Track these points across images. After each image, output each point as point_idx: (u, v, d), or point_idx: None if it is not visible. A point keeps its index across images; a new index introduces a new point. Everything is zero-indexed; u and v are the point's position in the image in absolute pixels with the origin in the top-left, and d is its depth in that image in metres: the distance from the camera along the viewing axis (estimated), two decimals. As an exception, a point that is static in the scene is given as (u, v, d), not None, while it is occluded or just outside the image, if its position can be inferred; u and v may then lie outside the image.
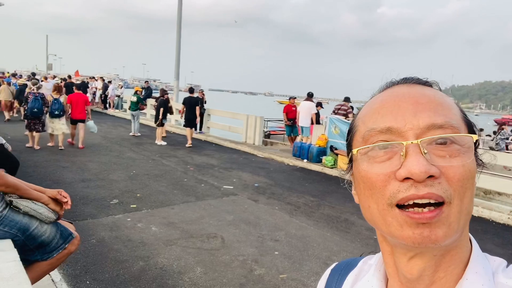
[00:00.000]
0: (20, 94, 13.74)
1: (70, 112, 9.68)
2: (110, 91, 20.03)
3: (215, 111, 14.87)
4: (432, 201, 0.44)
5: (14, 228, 1.97)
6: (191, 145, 11.38)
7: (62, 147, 9.41)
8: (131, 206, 5.51)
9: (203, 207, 5.71)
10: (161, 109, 11.49)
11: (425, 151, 0.45)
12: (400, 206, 0.45)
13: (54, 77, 20.24)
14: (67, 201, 2.19)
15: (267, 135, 14.23)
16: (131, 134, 12.74)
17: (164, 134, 12.11)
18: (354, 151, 0.51)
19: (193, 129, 12.01)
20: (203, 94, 13.90)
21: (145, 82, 20.70)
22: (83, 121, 9.89)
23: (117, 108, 20.06)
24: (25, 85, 14.06)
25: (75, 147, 9.79)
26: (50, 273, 3.26)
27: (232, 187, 7.02)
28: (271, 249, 4.38)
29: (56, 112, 9.20)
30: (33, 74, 19.01)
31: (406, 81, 0.54)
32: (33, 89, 9.55)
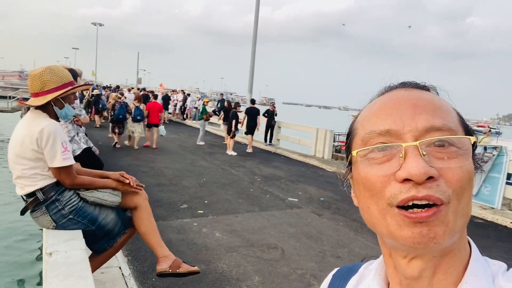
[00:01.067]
0: (95, 103, 15.42)
1: (147, 117, 11.42)
2: (188, 103, 21.38)
3: (285, 123, 14.97)
4: (430, 203, 0.44)
5: (86, 219, 2.23)
6: (251, 151, 12.45)
7: (137, 147, 11.11)
8: (199, 211, 5.78)
9: (266, 218, 5.77)
10: (233, 121, 11.93)
11: (424, 153, 0.46)
12: (400, 207, 0.46)
13: (141, 89, 22.25)
14: (129, 182, 2.42)
15: (338, 150, 13.90)
16: (197, 143, 13.46)
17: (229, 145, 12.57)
18: (354, 153, 0.52)
19: (253, 136, 12.83)
20: (274, 107, 14.11)
21: (220, 94, 21.71)
22: (157, 125, 11.54)
23: (194, 119, 21.27)
24: (98, 96, 15.82)
25: (153, 152, 10.61)
26: (121, 267, 3.56)
27: (296, 200, 6.99)
28: (331, 265, 4.24)
29: (138, 117, 10.95)
30: (118, 87, 21.28)
31: (404, 85, 0.55)
32: (122, 99, 11.20)
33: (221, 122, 15.46)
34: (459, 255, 0.50)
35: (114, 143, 11.08)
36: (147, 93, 17.99)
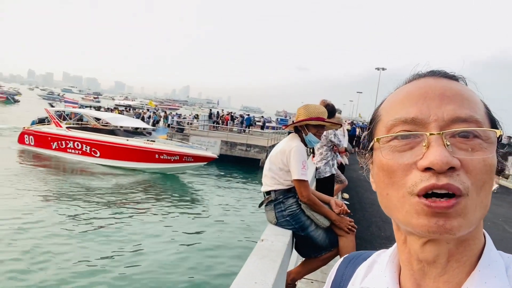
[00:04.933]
0: None
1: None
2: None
3: None
4: (450, 192, 0.45)
5: (298, 224, 2.64)
6: None
7: None
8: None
9: None
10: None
11: (448, 143, 0.46)
12: (419, 196, 0.46)
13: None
14: (341, 209, 2.66)
15: None
16: None
17: None
18: (376, 139, 0.53)
19: None
20: None
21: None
22: None
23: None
24: None
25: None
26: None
27: None
28: None
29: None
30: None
31: (433, 74, 0.54)
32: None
33: None
34: (473, 245, 0.49)
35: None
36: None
